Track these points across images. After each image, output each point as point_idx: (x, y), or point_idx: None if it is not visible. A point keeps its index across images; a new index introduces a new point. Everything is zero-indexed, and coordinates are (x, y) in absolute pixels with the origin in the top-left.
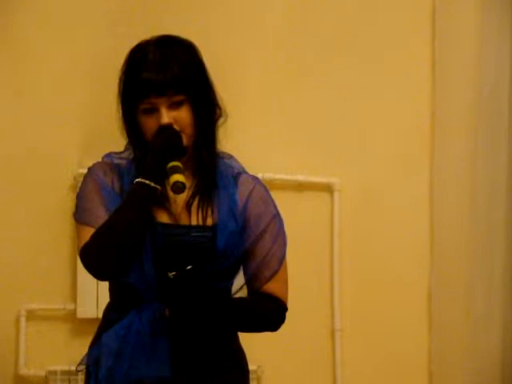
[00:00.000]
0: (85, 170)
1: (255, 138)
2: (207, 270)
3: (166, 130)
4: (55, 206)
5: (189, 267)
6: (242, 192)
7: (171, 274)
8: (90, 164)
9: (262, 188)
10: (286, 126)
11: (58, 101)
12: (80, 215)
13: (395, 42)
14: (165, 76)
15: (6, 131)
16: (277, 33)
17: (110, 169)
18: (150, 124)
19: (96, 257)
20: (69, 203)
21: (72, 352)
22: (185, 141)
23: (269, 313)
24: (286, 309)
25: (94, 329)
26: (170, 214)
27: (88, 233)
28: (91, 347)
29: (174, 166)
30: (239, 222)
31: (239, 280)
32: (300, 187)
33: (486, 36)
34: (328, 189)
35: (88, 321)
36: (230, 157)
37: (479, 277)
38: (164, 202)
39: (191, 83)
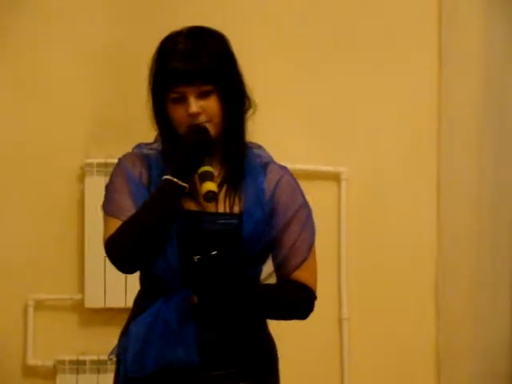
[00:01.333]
0: (92, 160)
1: (263, 128)
2: (233, 255)
3: (196, 128)
4: (62, 196)
5: (214, 252)
6: (269, 181)
7: (196, 258)
8: (97, 154)
9: (290, 177)
10: (293, 115)
11: (65, 92)
12: (107, 206)
13: (404, 35)
14: (193, 65)
15: (13, 122)
16: (288, 22)
17: (139, 160)
18: (178, 113)
19: (119, 250)
20: (76, 193)
21: (80, 342)
22: (212, 130)
23: (297, 300)
24: (314, 297)
25: (101, 318)
26: (197, 202)
27: (114, 225)
28: (121, 336)
29: (205, 172)
30: (266, 210)
31: (269, 267)
32: (307, 176)
33: (492, 31)
34: (335, 178)
35: (96, 310)
36: (259, 147)
37: (486, 268)
38: (192, 191)
39: (220, 73)
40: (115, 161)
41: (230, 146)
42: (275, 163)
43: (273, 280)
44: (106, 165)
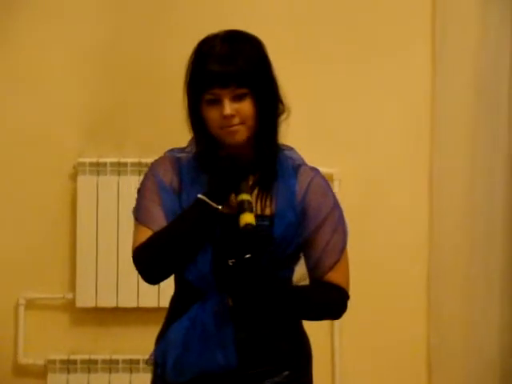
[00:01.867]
0: (84, 159)
1: None
2: (266, 258)
3: (233, 155)
4: (55, 195)
5: (247, 256)
6: (301, 183)
7: (230, 262)
8: (90, 153)
9: (321, 179)
10: (286, 115)
11: (59, 90)
12: (138, 213)
13: (396, 34)
14: (229, 68)
15: (7, 120)
16: (278, 22)
17: (171, 164)
18: (212, 115)
19: (147, 263)
20: (68, 192)
21: (71, 341)
22: (244, 132)
23: (330, 301)
24: (347, 297)
25: (92, 318)
26: (228, 204)
27: (143, 233)
28: (158, 339)
29: (244, 202)
30: (297, 212)
31: (302, 269)
32: None
33: (486, 27)
34: (328, 178)
35: (87, 310)
36: (291, 149)
37: (478, 266)
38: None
39: (255, 77)
40: (108, 160)
41: (262, 149)
42: (306, 165)
43: (307, 281)
44: (98, 164)
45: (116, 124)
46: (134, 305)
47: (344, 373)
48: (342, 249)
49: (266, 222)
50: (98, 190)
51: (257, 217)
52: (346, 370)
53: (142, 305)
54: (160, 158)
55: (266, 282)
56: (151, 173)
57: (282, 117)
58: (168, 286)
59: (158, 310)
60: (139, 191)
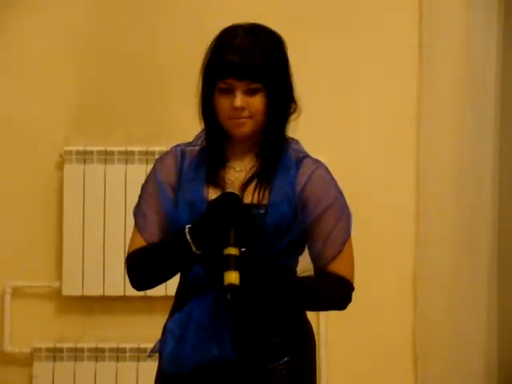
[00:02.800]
0: (71, 148)
1: None
2: (261, 247)
3: (229, 195)
4: (41, 184)
5: (243, 249)
6: (302, 175)
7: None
8: (76, 142)
9: (324, 171)
10: (297, 115)
11: (45, 79)
12: (136, 216)
13: (382, 24)
14: (247, 61)
15: None
16: (264, 12)
17: (175, 159)
18: (223, 103)
19: (132, 275)
20: (55, 181)
21: (57, 329)
22: (251, 126)
23: (333, 292)
24: (352, 288)
25: (79, 306)
26: (225, 191)
27: (136, 239)
28: (163, 330)
29: (230, 258)
30: (293, 203)
31: (306, 260)
32: None
33: (472, 23)
34: None
35: (73, 298)
36: (297, 142)
37: (464, 261)
38: (220, 183)
39: (270, 74)
40: (94, 148)
41: (269, 144)
42: (310, 157)
43: (311, 272)
44: (85, 152)
45: (103, 112)
46: (120, 293)
47: (329, 364)
48: (345, 240)
49: (262, 211)
50: (84, 179)
51: (251, 206)
52: (331, 361)
53: (128, 293)
54: (164, 153)
55: (265, 275)
56: (153, 173)
57: (293, 116)
58: None
59: (144, 298)
60: (143, 188)
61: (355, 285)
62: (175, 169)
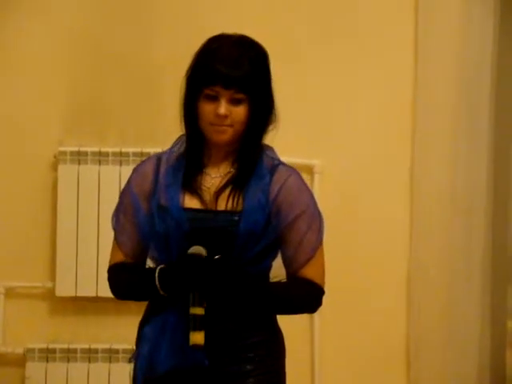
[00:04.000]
0: (65, 148)
1: None
2: (236, 256)
3: (196, 258)
4: (36, 184)
5: (217, 256)
6: (275, 182)
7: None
8: (71, 142)
9: (297, 179)
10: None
11: (40, 78)
12: (115, 227)
13: (378, 24)
14: (236, 72)
15: None
16: (258, 14)
17: (152, 167)
18: (207, 109)
19: (111, 290)
20: (49, 181)
21: (50, 330)
22: (229, 134)
23: (303, 296)
24: (322, 292)
25: (72, 307)
26: (202, 199)
27: (116, 252)
28: (139, 330)
29: (196, 318)
30: (266, 211)
31: (279, 264)
32: None
33: (468, 25)
34: (309, 171)
35: (66, 299)
36: (271, 148)
37: (457, 261)
38: (196, 189)
39: (255, 86)
40: (88, 149)
41: (246, 153)
42: (284, 165)
43: (283, 277)
44: (79, 153)
45: (97, 113)
46: None
47: (323, 366)
48: (316, 246)
49: (236, 217)
50: (78, 179)
51: (226, 212)
52: (325, 363)
53: None
54: (140, 162)
55: (239, 281)
56: (128, 186)
57: (271, 126)
58: None
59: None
60: (120, 198)
61: (349, 288)
62: (152, 176)
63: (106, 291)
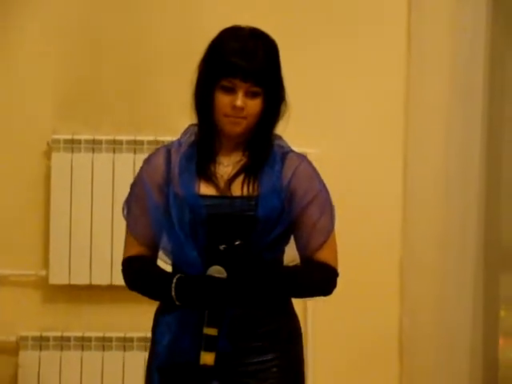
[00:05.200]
0: (59, 136)
1: None
2: (254, 242)
3: (216, 280)
4: (29, 172)
5: (237, 242)
6: (287, 169)
7: (222, 247)
8: (64, 130)
9: (308, 165)
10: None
11: (33, 65)
12: (128, 218)
13: (371, 18)
14: (253, 65)
15: None
16: (254, 5)
17: (163, 159)
18: (223, 101)
19: (127, 283)
20: (42, 169)
21: (44, 318)
22: (243, 125)
23: (319, 279)
24: (336, 274)
25: (65, 295)
26: (217, 186)
27: (130, 244)
28: (157, 315)
29: (209, 337)
30: (281, 197)
31: (292, 250)
32: None
33: (460, 18)
34: None
35: (60, 287)
36: (280, 137)
37: (451, 252)
38: (211, 176)
39: (270, 79)
40: (82, 137)
41: (258, 142)
42: (294, 152)
43: (297, 262)
44: (72, 141)
45: (91, 101)
46: (107, 282)
47: (317, 357)
48: (330, 230)
49: (253, 202)
50: (72, 168)
51: (242, 198)
52: (318, 352)
53: (115, 282)
54: (152, 154)
55: (258, 266)
56: (141, 176)
57: (282, 117)
58: None
59: None
60: (131, 189)
61: (342, 277)
62: (163, 167)
63: (99, 279)
